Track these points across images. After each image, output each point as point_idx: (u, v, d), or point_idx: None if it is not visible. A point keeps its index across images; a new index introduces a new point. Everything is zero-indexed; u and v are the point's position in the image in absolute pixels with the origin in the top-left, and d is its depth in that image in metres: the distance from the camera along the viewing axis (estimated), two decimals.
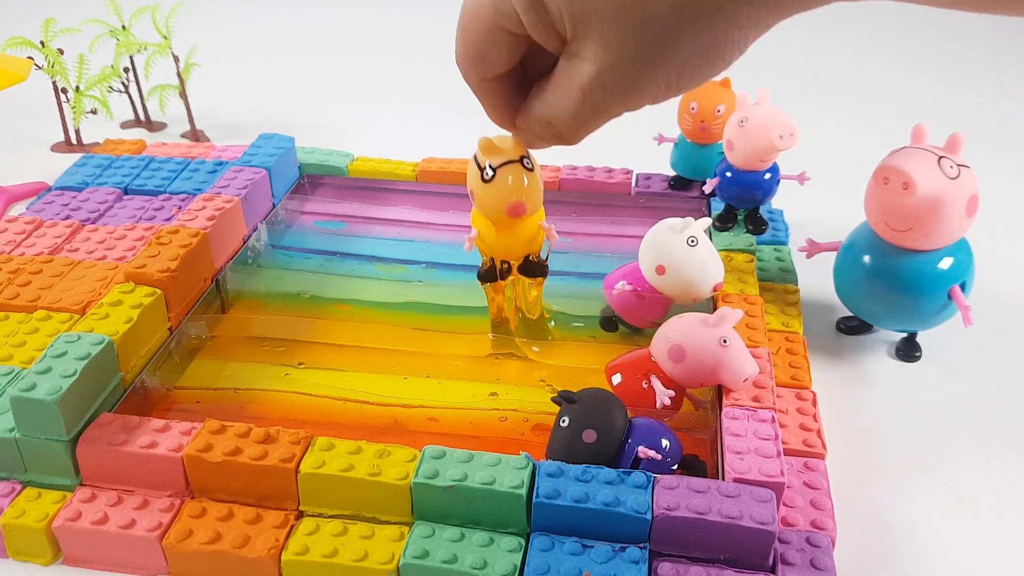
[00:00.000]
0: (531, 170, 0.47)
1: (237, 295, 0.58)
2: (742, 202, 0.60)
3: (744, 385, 0.44)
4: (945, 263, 0.51)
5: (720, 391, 0.46)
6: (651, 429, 0.41)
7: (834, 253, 0.55)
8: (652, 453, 0.40)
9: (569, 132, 0.37)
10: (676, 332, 0.45)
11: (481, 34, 0.35)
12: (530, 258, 0.51)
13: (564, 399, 0.41)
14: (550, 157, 0.72)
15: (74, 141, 0.80)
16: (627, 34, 0.31)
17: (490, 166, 0.46)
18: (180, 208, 0.63)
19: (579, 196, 0.68)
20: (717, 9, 0.30)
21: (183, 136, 0.84)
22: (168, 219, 0.62)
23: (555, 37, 0.34)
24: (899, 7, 1.22)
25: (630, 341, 0.54)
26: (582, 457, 0.40)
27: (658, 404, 0.44)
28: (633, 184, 0.69)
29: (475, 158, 0.47)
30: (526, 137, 0.40)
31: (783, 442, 0.44)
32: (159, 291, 0.51)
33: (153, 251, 0.53)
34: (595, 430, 0.40)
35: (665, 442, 0.41)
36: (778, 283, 0.57)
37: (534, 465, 0.40)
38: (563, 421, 0.40)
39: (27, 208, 0.65)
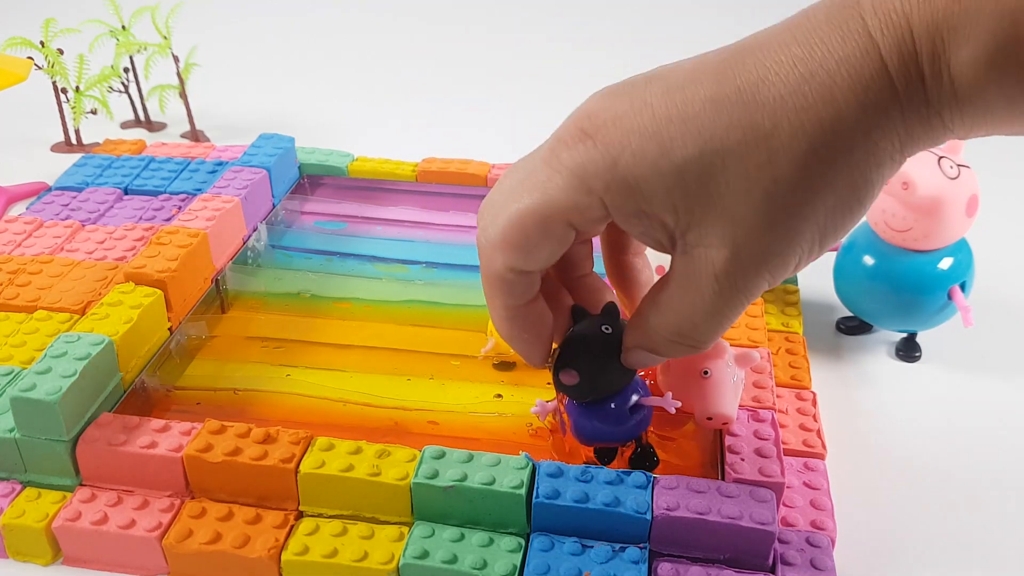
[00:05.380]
0: None
1: (237, 295, 0.58)
2: None
3: (708, 424, 0.42)
4: (945, 263, 0.51)
5: None
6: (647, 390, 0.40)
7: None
8: (662, 403, 0.39)
9: (705, 335, 0.33)
10: None
11: (539, 221, 0.31)
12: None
13: (610, 311, 0.38)
14: None
15: (74, 141, 0.80)
16: (757, 201, 0.29)
17: None
18: (180, 208, 0.63)
19: None
20: (851, 149, 0.28)
21: (183, 136, 0.84)
22: (168, 219, 0.62)
23: (658, 231, 0.31)
24: None
25: None
26: (598, 371, 0.37)
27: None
28: None
29: None
30: (642, 357, 0.36)
31: (783, 442, 0.44)
32: (159, 291, 0.51)
33: (153, 251, 0.53)
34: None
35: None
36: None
37: (534, 465, 0.40)
38: (606, 328, 0.37)
39: (27, 208, 0.65)
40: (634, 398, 0.39)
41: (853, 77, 0.28)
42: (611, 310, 0.38)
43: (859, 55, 0.28)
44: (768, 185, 0.29)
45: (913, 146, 0.29)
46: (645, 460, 0.41)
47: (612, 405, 0.38)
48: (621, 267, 0.39)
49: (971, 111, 0.28)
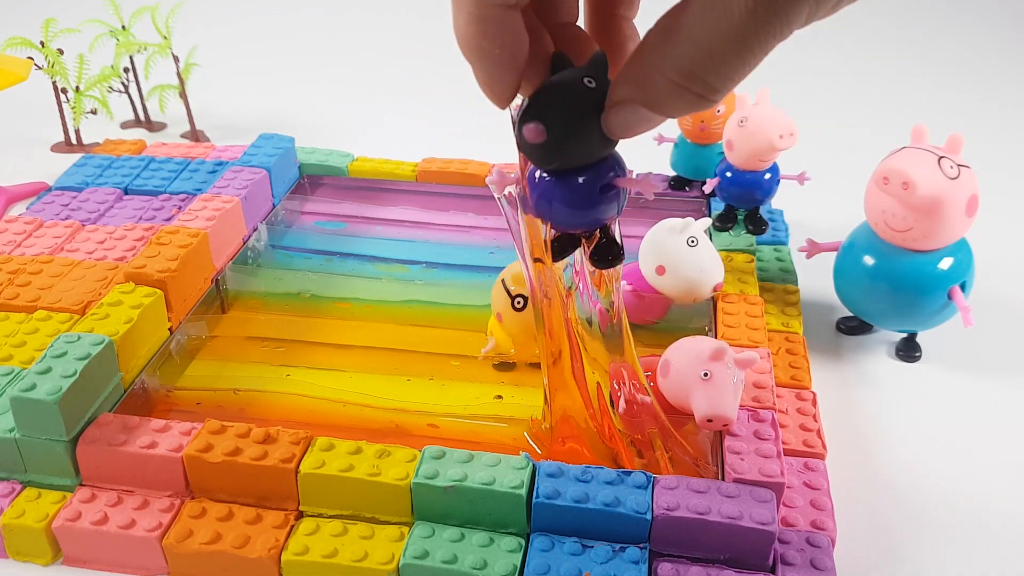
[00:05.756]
0: None
1: (237, 295, 0.58)
2: (742, 202, 0.60)
3: (708, 426, 0.41)
4: (945, 263, 0.51)
5: None
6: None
7: (834, 253, 0.55)
8: (641, 184, 0.32)
9: (722, 73, 0.26)
10: (673, 348, 0.43)
11: None
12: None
13: (597, 63, 0.31)
14: None
15: (74, 141, 0.80)
16: None
17: (522, 296, 0.48)
18: (180, 208, 0.63)
19: None
20: None
21: (183, 136, 0.84)
22: (168, 219, 0.62)
23: None
24: (899, 6, 1.22)
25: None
26: (570, 129, 0.31)
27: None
28: None
29: (504, 284, 0.48)
30: (630, 115, 0.28)
31: (783, 442, 0.44)
32: (159, 291, 0.51)
33: (153, 251, 0.53)
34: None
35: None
36: (778, 283, 0.57)
37: (534, 465, 0.40)
38: (589, 81, 0.30)
39: (27, 208, 0.65)
40: (609, 176, 0.32)
41: None
42: (599, 61, 0.31)
43: None
44: None
45: None
46: (608, 253, 0.35)
47: (581, 180, 0.32)
48: (608, 29, 0.32)
49: None
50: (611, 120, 0.29)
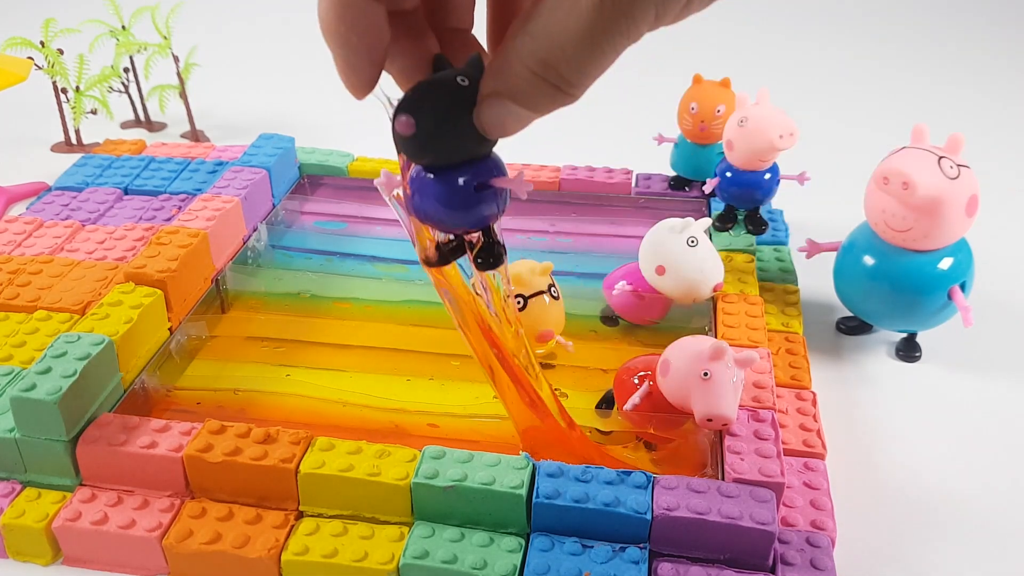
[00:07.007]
0: (557, 298, 0.50)
1: (237, 295, 0.58)
2: (742, 202, 0.60)
3: (708, 425, 0.41)
4: (945, 263, 0.51)
5: None
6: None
7: (834, 253, 0.55)
8: (514, 184, 0.32)
9: (575, 68, 0.27)
10: (673, 347, 0.43)
11: None
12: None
13: (474, 64, 0.31)
14: (551, 157, 0.72)
15: (74, 141, 0.81)
16: None
17: (522, 296, 0.49)
18: (180, 208, 0.63)
19: (579, 196, 0.68)
20: None
21: (183, 136, 0.84)
22: (168, 219, 0.62)
23: None
24: (899, 6, 1.22)
25: (631, 336, 0.54)
26: (439, 124, 0.32)
27: (627, 404, 0.44)
28: (633, 184, 0.69)
29: None
30: (498, 109, 0.29)
31: (783, 442, 0.44)
32: (159, 291, 0.51)
33: (153, 251, 0.53)
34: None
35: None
36: (778, 283, 0.57)
37: (534, 465, 0.40)
38: (462, 80, 0.31)
39: (27, 208, 0.65)
40: (485, 175, 0.33)
41: None
42: (474, 62, 0.31)
43: None
44: None
45: None
46: (491, 255, 0.35)
47: (460, 181, 0.33)
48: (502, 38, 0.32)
49: None
50: (482, 115, 0.30)
